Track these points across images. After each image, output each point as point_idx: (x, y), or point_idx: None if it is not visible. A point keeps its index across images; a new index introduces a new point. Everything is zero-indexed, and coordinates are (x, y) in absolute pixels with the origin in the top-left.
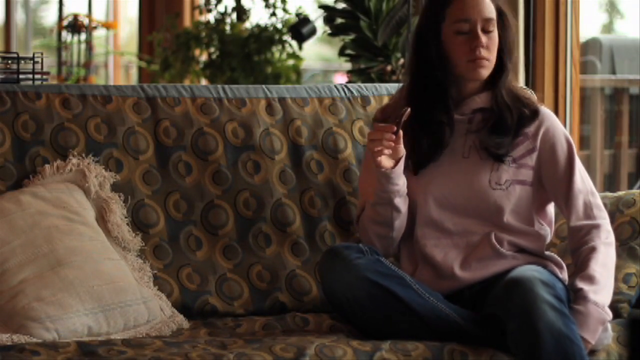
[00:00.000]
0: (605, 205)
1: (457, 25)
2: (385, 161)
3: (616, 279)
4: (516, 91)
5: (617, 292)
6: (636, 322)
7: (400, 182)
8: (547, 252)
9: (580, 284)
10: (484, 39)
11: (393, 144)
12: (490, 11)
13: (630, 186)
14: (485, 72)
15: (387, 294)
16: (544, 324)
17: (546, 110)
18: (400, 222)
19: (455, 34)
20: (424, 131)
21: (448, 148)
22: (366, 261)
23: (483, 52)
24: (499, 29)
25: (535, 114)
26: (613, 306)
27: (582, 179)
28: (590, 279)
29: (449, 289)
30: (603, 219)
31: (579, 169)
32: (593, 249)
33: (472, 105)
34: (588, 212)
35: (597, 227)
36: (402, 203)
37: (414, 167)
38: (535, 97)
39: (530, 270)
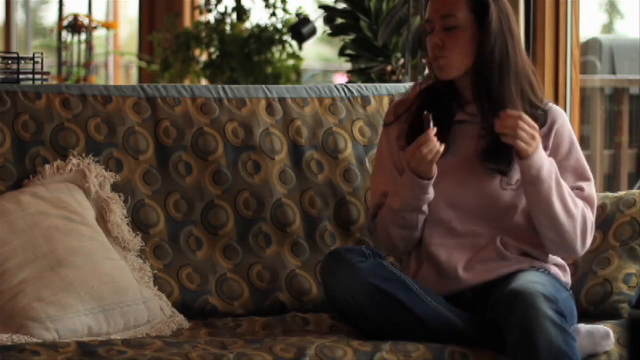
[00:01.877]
0: (605, 205)
1: (425, 24)
2: (432, 169)
3: (616, 279)
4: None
5: (617, 292)
6: (636, 322)
7: (431, 189)
8: (551, 255)
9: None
10: (438, 37)
11: (440, 149)
12: (450, 7)
13: (630, 186)
14: (444, 72)
15: (389, 298)
16: (544, 340)
17: (558, 110)
18: (423, 222)
19: (427, 34)
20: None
21: (458, 148)
22: (368, 265)
23: (436, 52)
24: (477, 24)
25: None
26: (613, 306)
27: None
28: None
29: (450, 290)
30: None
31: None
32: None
33: (475, 107)
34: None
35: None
36: (427, 207)
37: None
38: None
39: (532, 283)
